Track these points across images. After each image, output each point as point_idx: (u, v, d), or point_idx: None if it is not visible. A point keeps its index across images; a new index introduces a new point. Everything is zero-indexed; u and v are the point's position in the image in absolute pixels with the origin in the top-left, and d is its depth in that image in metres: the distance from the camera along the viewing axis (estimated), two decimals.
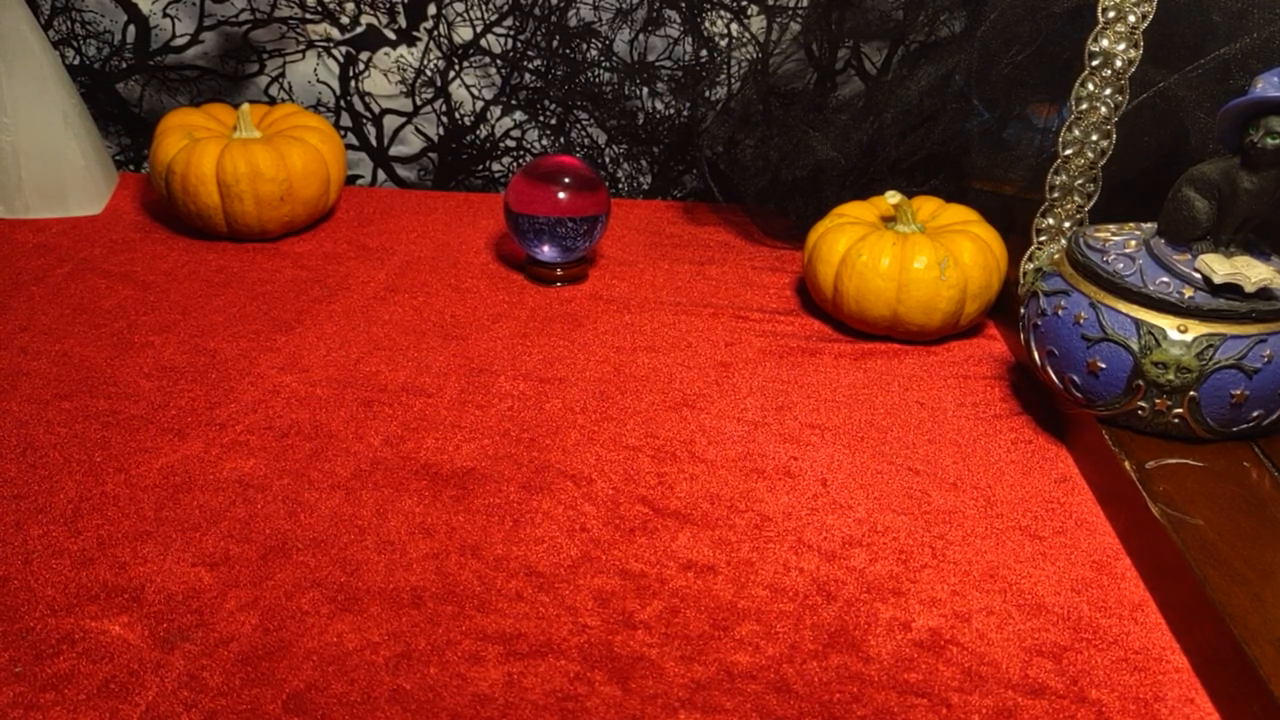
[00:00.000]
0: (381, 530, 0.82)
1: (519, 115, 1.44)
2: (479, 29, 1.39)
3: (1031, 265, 0.99)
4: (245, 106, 1.26)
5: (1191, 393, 0.83)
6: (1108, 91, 0.99)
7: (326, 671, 0.69)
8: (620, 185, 1.48)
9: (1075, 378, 0.89)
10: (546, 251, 1.20)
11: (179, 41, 1.41)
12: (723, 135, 1.32)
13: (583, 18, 1.38)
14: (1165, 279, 0.85)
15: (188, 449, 0.91)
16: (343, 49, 1.41)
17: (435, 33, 1.39)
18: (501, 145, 1.46)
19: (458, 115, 1.44)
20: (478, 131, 1.45)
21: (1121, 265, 0.87)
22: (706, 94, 1.40)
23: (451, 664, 0.70)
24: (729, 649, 0.73)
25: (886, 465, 0.93)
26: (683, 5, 1.36)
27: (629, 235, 1.36)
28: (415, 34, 1.40)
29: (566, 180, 1.17)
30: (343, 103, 1.44)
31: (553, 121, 1.45)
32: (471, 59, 1.41)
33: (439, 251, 1.29)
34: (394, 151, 1.47)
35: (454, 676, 0.70)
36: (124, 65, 1.43)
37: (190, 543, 0.80)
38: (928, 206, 1.16)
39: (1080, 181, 1.04)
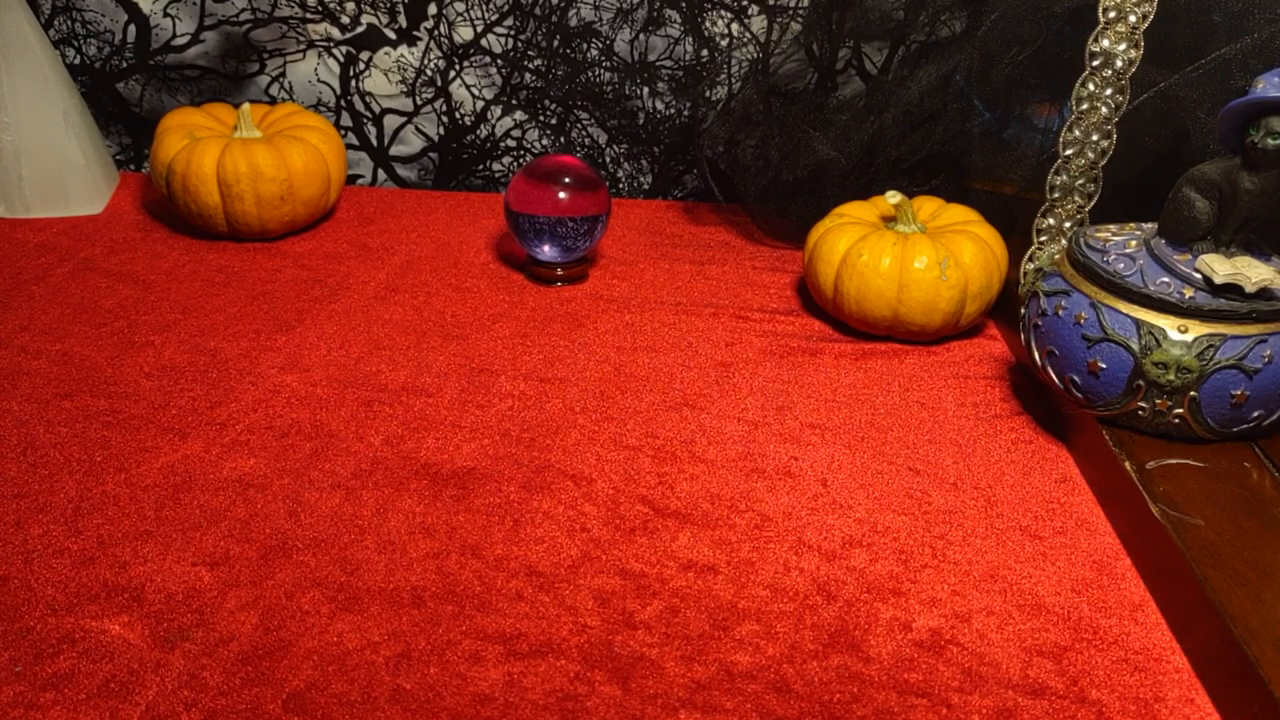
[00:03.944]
0: (382, 530, 0.82)
1: (519, 115, 1.44)
2: (479, 29, 1.39)
3: (1032, 265, 0.99)
4: (246, 106, 1.26)
5: (1192, 393, 0.83)
6: (1108, 91, 0.99)
7: (326, 671, 0.69)
8: (621, 185, 1.48)
9: (1075, 378, 0.89)
10: (547, 251, 1.20)
11: (179, 41, 1.41)
12: (723, 135, 1.32)
13: (583, 17, 1.38)
14: (1166, 279, 0.85)
15: (188, 448, 0.91)
16: (343, 49, 1.41)
17: (436, 32, 1.39)
18: (502, 145, 1.46)
19: (458, 115, 1.44)
20: (478, 131, 1.45)
21: (1122, 265, 0.87)
22: (707, 94, 1.40)
23: (451, 664, 0.70)
24: (729, 649, 0.73)
25: (887, 465, 0.93)
26: (683, 5, 1.36)
27: (629, 235, 1.36)
28: (416, 34, 1.40)
29: (567, 180, 1.17)
30: (343, 102, 1.44)
31: (553, 121, 1.45)
32: (472, 59, 1.41)
33: (439, 251, 1.30)
34: (394, 151, 1.47)
35: (454, 676, 0.70)
36: (124, 65, 1.43)
37: (190, 542, 0.80)
38: (928, 206, 1.16)
39: (1081, 181, 1.04)
